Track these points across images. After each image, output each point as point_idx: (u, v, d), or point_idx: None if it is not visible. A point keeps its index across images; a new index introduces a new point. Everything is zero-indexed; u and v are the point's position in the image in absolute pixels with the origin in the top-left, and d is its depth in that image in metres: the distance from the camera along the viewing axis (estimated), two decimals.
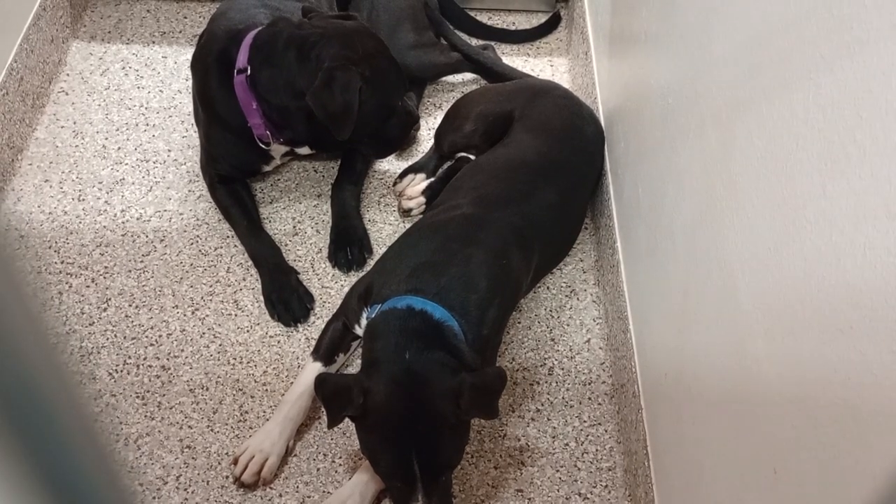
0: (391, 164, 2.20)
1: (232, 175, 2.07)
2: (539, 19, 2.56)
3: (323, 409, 1.56)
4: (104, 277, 1.95)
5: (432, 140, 2.18)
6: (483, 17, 2.54)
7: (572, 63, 2.42)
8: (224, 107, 1.94)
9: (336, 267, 1.98)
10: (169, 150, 2.21)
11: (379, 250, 1.99)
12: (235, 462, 1.64)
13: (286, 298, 1.89)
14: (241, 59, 1.88)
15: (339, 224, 2.02)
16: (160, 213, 2.08)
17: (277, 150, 2.02)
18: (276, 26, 1.89)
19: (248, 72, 1.88)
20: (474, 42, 2.44)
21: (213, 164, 2.06)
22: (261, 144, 1.96)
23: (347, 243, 1.99)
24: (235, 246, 2.02)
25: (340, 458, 1.69)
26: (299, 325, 1.88)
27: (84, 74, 2.38)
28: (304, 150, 2.04)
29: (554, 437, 1.73)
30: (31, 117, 2.23)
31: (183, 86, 2.35)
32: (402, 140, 2.09)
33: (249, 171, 2.08)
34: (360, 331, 1.66)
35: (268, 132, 1.93)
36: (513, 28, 2.55)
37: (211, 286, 1.95)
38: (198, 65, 2.00)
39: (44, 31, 2.30)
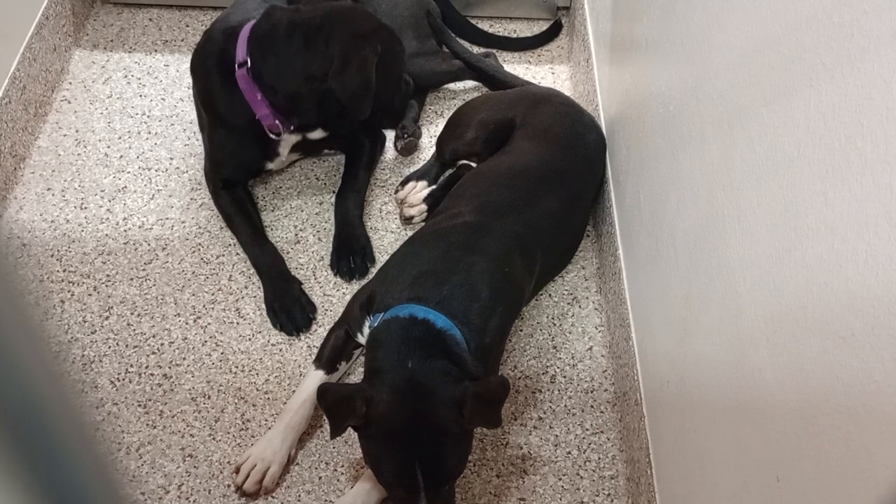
0: (393, 172, 2.20)
1: (236, 178, 2.07)
2: (540, 27, 2.56)
3: (325, 417, 1.56)
4: (106, 286, 1.95)
5: (434, 148, 2.18)
6: (484, 25, 2.55)
7: (573, 70, 2.42)
8: (227, 105, 1.95)
9: (338, 275, 1.98)
10: (171, 159, 2.21)
11: (381, 258, 2.00)
12: (237, 471, 1.64)
13: (289, 307, 1.89)
14: (240, 52, 1.90)
15: (342, 233, 2.02)
16: (162, 222, 2.08)
17: (287, 141, 2.01)
18: (273, 16, 1.90)
19: (249, 64, 1.88)
20: (476, 50, 2.44)
21: (216, 168, 2.06)
22: (271, 135, 1.96)
23: (350, 252, 1.99)
24: (237, 254, 2.02)
25: (342, 466, 1.69)
26: (301, 334, 1.88)
27: (86, 83, 2.39)
28: (317, 134, 2.03)
29: (556, 446, 1.73)
30: (33, 126, 2.24)
31: (185, 94, 2.35)
32: (403, 110, 2.14)
33: (254, 169, 2.08)
34: (362, 339, 1.66)
35: (277, 122, 1.93)
36: (514, 36, 2.55)
37: (213, 294, 1.95)
38: (198, 68, 2.01)
39: (46, 39, 2.31)
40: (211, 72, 1.95)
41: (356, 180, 2.10)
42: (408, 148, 2.22)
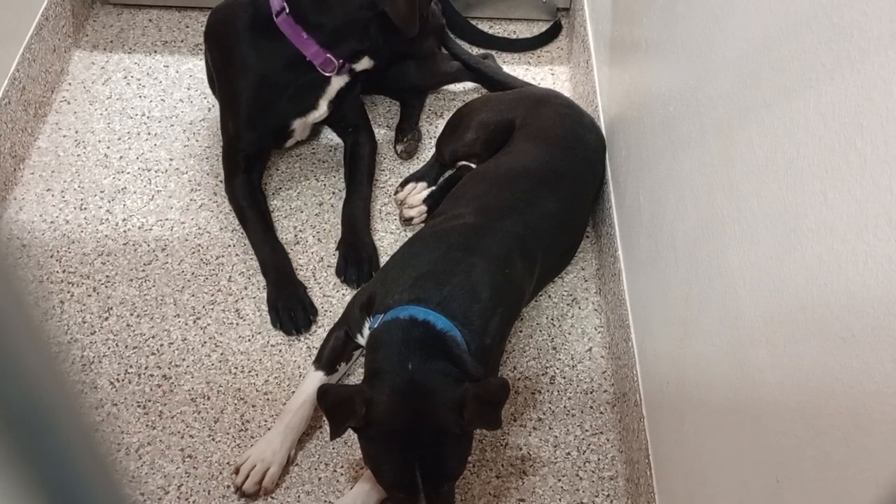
0: (392, 174, 2.20)
1: (260, 146, 2.06)
2: (540, 28, 2.56)
3: (325, 418, 1.56)
4: (106, 286, 1.95)
5: (433, 149, 2.18)
6: (484, 26, 2.55)
7: (573, 71, 2.42)
8: (265, 61, 1.96)
9: (345, 282, 1.97)
10: (171, 159, 2.21)
11: (381, 260, 2.00)
12: (237, 471, 1.64)
13: (291, 306, 1.89)
14: (276, 2, 1.92)
15: (350, 239, 2.01)
16: (162, 222, 2.08)
17: (333, 87, 2.01)
18: None
19: (287, 9, 1.91)
20: (475, 51, 2.44)
21: (238, 143, 2.04)
22: (324, 73, 1.96)
23: (357, 259, 1.97)
24: (237, 255, 2.02)
25: (342, 467, 1.69)
26: (300, 335, 1.88)
27: (86, 84, 2.39)
28: (365, 64, 2.02)
29: (556, 447, 1.73)
30: (33, 126, 2.24)
31: (184, 95, 2.35)
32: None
33: (282, 127, 2.06)
34: (362, 340, 1.66)
35: (328, 55, 1.93)
36: (514, 37, 2.55)
37: (212, 295, 1.95)
38: (221, 29, 2.01)
39: (46, 40, 2.31)
40: (243, 32, 1.96)
41: (362, 188, 2.10)
42: (408, 150, 2.22)
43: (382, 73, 2.20)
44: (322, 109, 2.05)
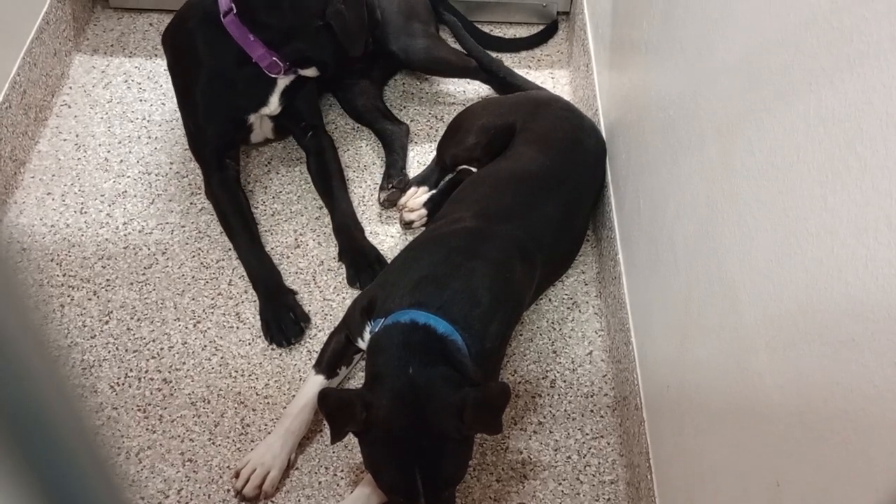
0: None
1: (225, 139, 2.07)
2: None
3: (325, 422, 1.56)
4: (106, 290, 1.95)
5: (434, 153, 2.18)
6: (483, 29, 2.55)
7: (573, 75, 2.42)
8: (215, 57, 1.99)
9: (362, 290, 1.96)
10: (171, 163, 2.21)
11: (387, 260, 1.99)
12: (237, 475, 1.64)
13: (280, 317, 1.88)
14: (223, 3, 1.95)
15: (351, 247, 2.00)
16: (162, 226, 2.08)
17: (280, 85, 2.03)
18: None
19: (235, 10, 1.94)
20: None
21: (200, 137, 2.06)
22: (271, 75, 1.99)
23: (367, 265, 1.95)
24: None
25: (342, 471, 1.69)
26: (291, 345, 1.86)
27: (87, 87, 2.39)
28: (311, 72, 2.05)
29: (556, 450, 1.73)
30: (33, 130, 2.24)
31: None
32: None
33: (240, 120, 2.08)
34: (362, 344, 1.66)
35: (274, 58, 1.96)
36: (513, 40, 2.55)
37: (213, 299, 1.95)
38: (178, 33, 2.05)
39: (47, 44, 2.31)
40: (194, 29, 2.00)
41: (343, 195, 2.10)
42: (391, 199, 2.11)
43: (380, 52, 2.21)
44: (273, 105, 2.07)
